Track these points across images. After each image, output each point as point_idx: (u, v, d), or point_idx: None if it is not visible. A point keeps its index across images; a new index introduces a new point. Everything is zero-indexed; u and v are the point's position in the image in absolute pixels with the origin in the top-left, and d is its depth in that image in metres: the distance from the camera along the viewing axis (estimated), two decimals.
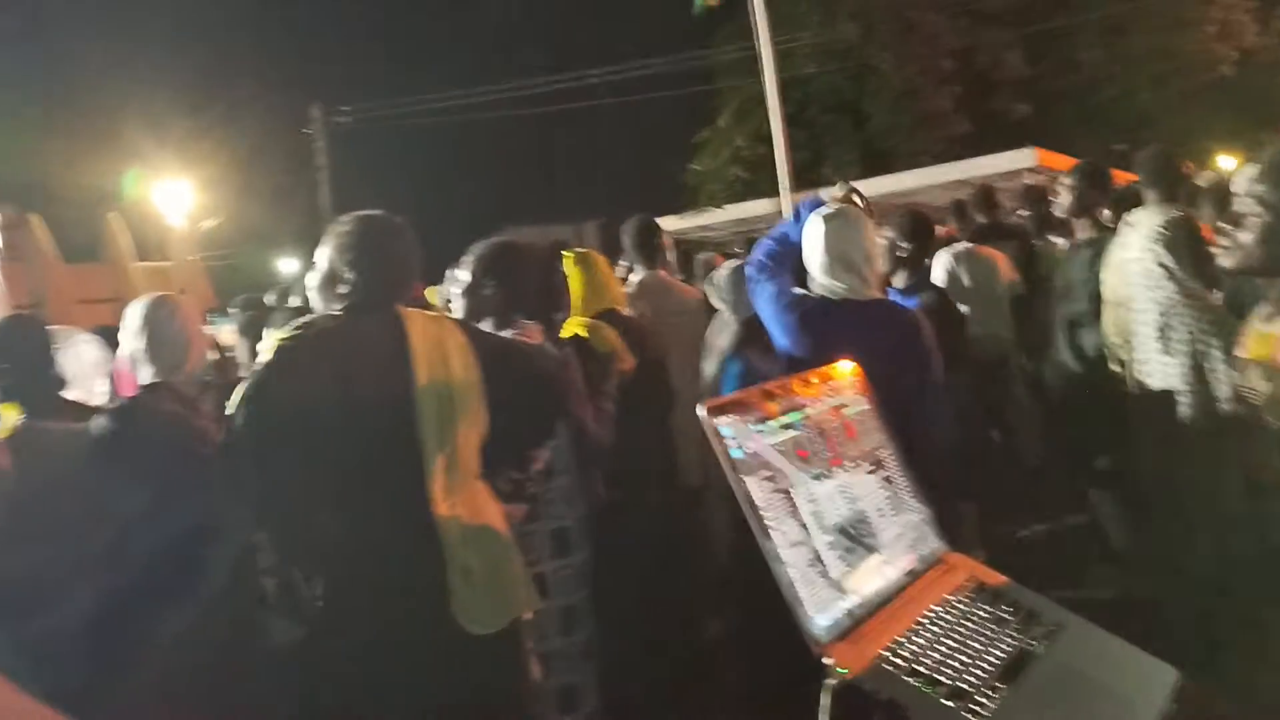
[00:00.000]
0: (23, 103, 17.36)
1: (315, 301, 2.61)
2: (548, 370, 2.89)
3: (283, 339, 2.40)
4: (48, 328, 3.12)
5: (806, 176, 15.89)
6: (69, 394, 3.26)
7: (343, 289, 2.50)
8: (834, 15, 20.28)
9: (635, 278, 4.69)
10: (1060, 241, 5.76)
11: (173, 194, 20.33)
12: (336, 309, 2.50)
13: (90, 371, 3.91)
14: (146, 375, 2.82)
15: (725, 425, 1.30)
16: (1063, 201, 4.61)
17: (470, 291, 3.14)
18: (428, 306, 4.38)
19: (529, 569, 2.79)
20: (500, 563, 2.55)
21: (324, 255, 2.54)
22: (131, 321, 2.84)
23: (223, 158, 21.35)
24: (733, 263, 4.09)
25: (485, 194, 26.43)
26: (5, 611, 2.16)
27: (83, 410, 3.11)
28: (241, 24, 23.08)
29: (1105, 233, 4.30)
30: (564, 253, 3.65)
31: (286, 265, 24.97)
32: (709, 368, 4.06)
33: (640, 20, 22.66)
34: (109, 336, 4.22)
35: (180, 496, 2.50)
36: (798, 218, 3.18)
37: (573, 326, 3.46)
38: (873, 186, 15.26)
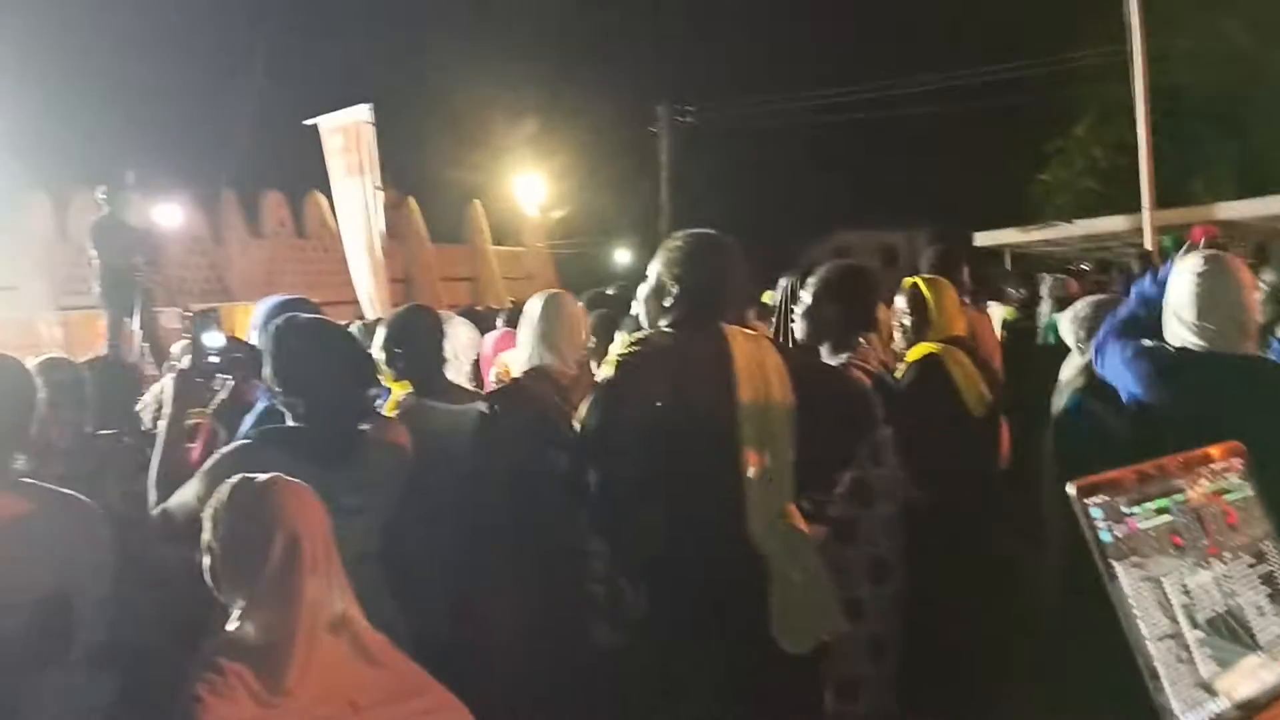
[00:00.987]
0: (407, 101, 19.45)
1: (643, 312, 2.76)
2: (857, 395, 2.90)
3: (622, 355, 2.55)
4: (440, 316, 3.48)
5: (1171, 192, 14.53)
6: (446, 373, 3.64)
7: (668, 303, 2.62)
8: (1219, 16, 18.25)
9: None
10: None
11: (528, 185, 22.03)
12: (664, 323, 2.63)
13: (462, 353, 4.35)
14: (531, 360, 3.10)
15: (1096, 506, 1.26)
16: None
17: (811, 313, 3.20)
18: (763, 311, 4.49)
19: (843, 593, 2.82)
20: (814, 580, 2.59)
21: (654, 269, 2.69)
22: (530, 311, 3.14)
23: (573, 152, 22.82)
24: (1090, 299, 3.84)
25: (818, 196, 26.41)
26: (390, 575, 2.45)
27: (460, 391, 3.45)
28: (596, 26, 24.54)
29: None
30: (914, 278, 3.63)
31: (623, 257, 26.30)
32: (1056, 404, 3.86)
33: (989, 22, 21.61)
34: (467, 314, 4.68)
35: (545, 482, 2.73)
36: (1156, 281, 2.95)
37: (923, 350, 3.44)
38: (1253, 208, 13.70)
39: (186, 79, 19.45)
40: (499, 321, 6.28)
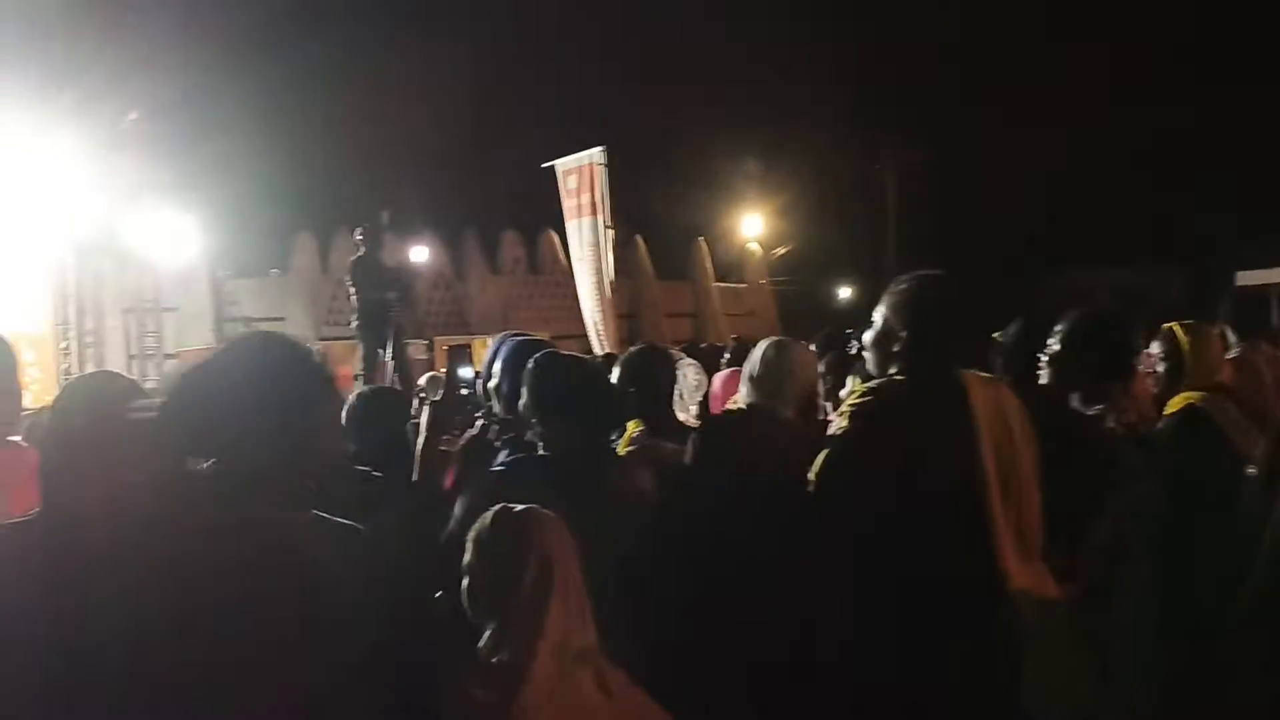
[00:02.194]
0: (637, 143, 20.04)
1: (870, 359, 2.68)
2: (1106, 443, 2.76)
3: (854, 405, 2.47)
4: (673, 358, 3.57)
5: None
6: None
7: (897, 349, 2.53)
8: None
9: (1230, 354, 4.15)
10: None
11: (751, 222, 22.18)
12: (893, 370, 2.54)
13: (688, 394, 4.43)
14: (749, 397, 3.13)
15: None
16: None
17: (1060, 361, 3.05)
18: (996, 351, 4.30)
19: (1098, 659, 2.65)
20: (1066, 645, 2.45)
21: (879, 314, 2.60)
22: (752, 358, 3.20)
23: (797, 189, 22.80)
24: None
25: (1052, 232, 25.01)
26: (628, 610, 2.47)
27: (688, 430, 3.49)
28: (822, 63, 24.35)
29: None
30: (1174, 324, 3.41)
31: (845, 293, 25.95)
32: None
33: (1251, 42, 19.90)
34: (691, 350, 4.72)
35: (764, 518, 2.68)
36: None
37: (1184, 399, 3.24)
38: None
39: (435, 127, 20.87)
40: (724, 359, 6.34)
